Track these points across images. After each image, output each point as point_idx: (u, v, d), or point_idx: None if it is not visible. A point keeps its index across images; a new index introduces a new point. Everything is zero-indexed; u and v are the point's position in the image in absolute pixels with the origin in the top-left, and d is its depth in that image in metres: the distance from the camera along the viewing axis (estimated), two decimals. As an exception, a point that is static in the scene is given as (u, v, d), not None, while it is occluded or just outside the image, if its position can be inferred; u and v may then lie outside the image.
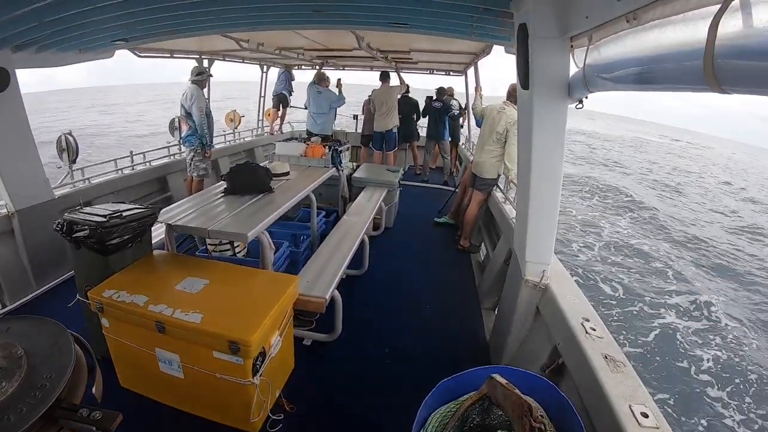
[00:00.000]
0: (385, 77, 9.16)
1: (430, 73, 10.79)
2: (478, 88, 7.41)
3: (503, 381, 1.98)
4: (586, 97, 2.65)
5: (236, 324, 2.68)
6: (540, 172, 3.01)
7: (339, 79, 9.21)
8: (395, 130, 9.29)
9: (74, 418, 1.30)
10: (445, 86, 10.56)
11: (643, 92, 1.92)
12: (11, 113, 4.19)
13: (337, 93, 8.64)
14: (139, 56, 6.63)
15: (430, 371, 3.54)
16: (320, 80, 8.52)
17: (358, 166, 7.57)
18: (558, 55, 2.69)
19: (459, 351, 4.08)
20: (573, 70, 2.69)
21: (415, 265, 5.97)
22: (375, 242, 5.44)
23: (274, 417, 3.09)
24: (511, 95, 5.63)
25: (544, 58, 2.73)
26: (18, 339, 1.47)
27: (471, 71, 9.56)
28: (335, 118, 9.34)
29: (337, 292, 3.74)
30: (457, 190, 7.76)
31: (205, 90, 6.98)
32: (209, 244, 4.40)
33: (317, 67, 10.62)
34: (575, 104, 2.72)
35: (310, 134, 8.40)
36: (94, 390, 1.52)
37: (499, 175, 5.96)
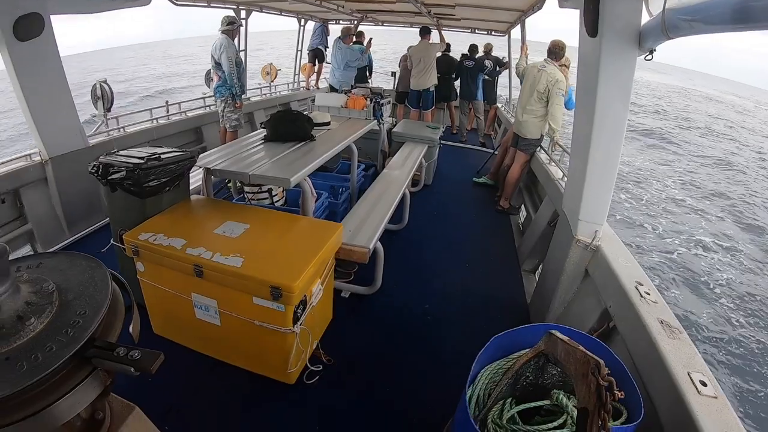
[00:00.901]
0: (425, 32, 8.82)
1: (471, 32, 10.43)
2: (524, 47, 7.08)
3: (564, 337, 1.85)
4: (654, 50, 2.50)
5: (279, 269, 2.56)
6: (602, 127, 2.84)
7: (370, 39, 9.20)
8: (432, 89, 9.01)
9: (110, 358, 1.15)
10: (483, 43, 10.17)
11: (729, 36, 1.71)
12: (46, 59, 4.11)
13: (362, 51, 8.56)
14: (176, 4, 6.48)
15: (470, 330, 3.58)
16: (344, 36, 8.45)
17: (396, 123, 7.39)
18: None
19: (498, 312, 3.97)
20: (644, 17, 2.51)
21: (453, 223, 5.88)
22: (414, 198, 5.33)
23: (313, 368, 3.01)
24: (552, 52, 5.44)
25: (616, 3, 2.54)
26: (50, 274, 1.34)
27: (515, 31, 9.16)
28: (361, 74, 9.31)
29: (379, 244, 3.63)
30: (495, 151, 7.59)
31: (237, 41, 6.86)
32: (247, 192, 4.28)
33: (355, 22, 10.40)
34: (645, 55, 2.57)
35: (332, 88, 8.44)
36: (131, 329, 1.38)
37: (542, 136, 5.78)
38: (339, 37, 8.53)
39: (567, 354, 1.80)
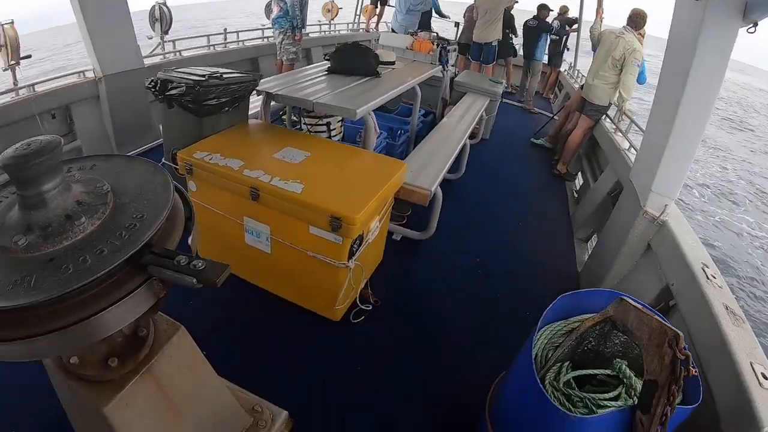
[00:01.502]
0: None
1: None
2: (599, 10, 6.71)
3: (638, 305, 1.73)
4: (757, 24, 2.35)
5: (340, 200, 2.44)
6: (692, 100, 2.70)
7: None
8: (495, 43, 8.57)
9: (169, 266, 1.01)
10: (560, 5, 9.75)
11: None
12: None
13: None
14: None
15: (519, 290, 3.55)
16: None
17: (458, 73, 7.16)
18: None
19: (548, 276, 3.88)
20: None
21: (509, 181, 5.76)
22: (471, 150, 5.16)
23: (362, 306, 2.94)
24: (633, 21, 5.17)
25: None
26: (104, 176, 1.21)
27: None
28: (425, 19, 8.67)
29: (439, 189, 3.49)
30: (555, 115, 7.42)
31: None
32: (305, 123, 4.16)
33: None
34: (748, 27, 2.40)
35: (393, 31, 8.07)
36: (190, 241, 1.25)
37: (610, 104, 5.57)
38: None
39: (640, 322, 1.70)
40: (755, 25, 2.35)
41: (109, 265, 0.95)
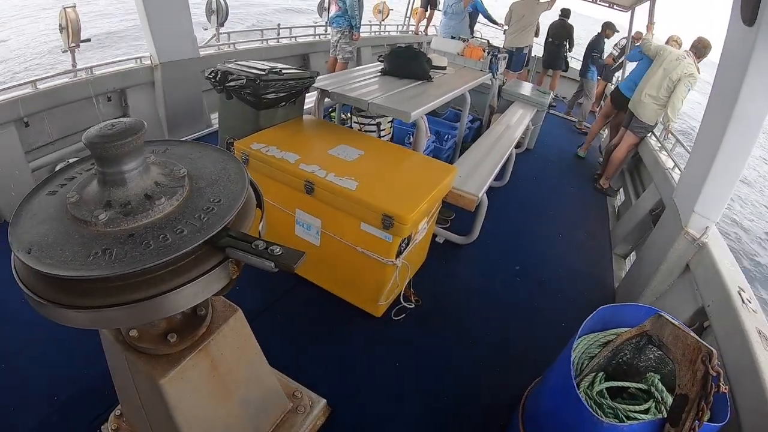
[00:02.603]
0: None
1: (593, 2, 9.80)
2: (650, 25, 6.60)
3: (675, 321, 1.79)
4: None
5: (393, 199, 2.50)
6: (739, 123, 2.70)
7: None
8: (526, 50, 8.39)
9: (247, 249, 1.06)
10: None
11: None
12: None
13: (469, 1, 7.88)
14: None
15: (555, 300, 3.58)
16: None
17: (505, 81, 7.14)
18: None
19: (585, 289, 3.88)
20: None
21: (551, 192, 5.78)
22: (516, 159, 5.18)
23: (405, 304, 3.00)
24: (697, 48, 5.11)
25: None
26: (178, 160, 1.28)
27: (642, 7, 8.54)
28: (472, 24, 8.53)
29: (485, 196, 3.51)
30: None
31: None
32: (357, 122, 4.23)
33: None
34: None
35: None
36: (261, 227, 1.31)
37: (657, 123, 5.51)
38: None
39: (675, 338, 1.75)
40: None
41: (190, 244, 1.01)
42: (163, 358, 1.38)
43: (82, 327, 1.03)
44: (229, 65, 3.12)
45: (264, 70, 3.06)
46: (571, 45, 9.45)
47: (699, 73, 5.05)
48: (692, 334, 1.68)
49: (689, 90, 5.04)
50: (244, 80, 2.97)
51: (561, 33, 9.16)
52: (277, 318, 2.84)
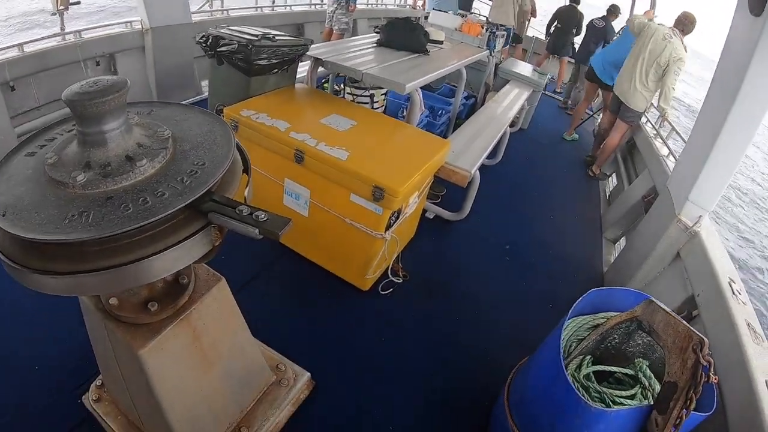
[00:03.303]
0: None
1: None
2: (650, 11, 6.41)
3: (666, 308, 1.76)
4: None
5: (385, 171, 2.45)
6: (741, 114, 2.67)
7: None
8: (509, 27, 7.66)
9: (231, 215, 1.01)
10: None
11: None
12: None
13: None
14: None
15: (543, 282, 3.59)
16: None
17: (503, 59, 7.06)
18: None
19: (574, 272, 3.88)
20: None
21: (543, 173, 5.76)
22: (510, 138, 5.16)
23: (393, 278, 2.98)
24: (682, 24, 4.90)
25: None
26: (163, 122, 1.22)
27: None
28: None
29: (478, 173, 3.48)
30: (594, 113, 7.41)
31: None
32: (350, 93, 4.16)
33: None
34: None
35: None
36: (246, 192, 1.26)
37: (647, 109, 5.40)
38: None
39: (666, 325, 1.74)
40: None
41: (171, 208, 0.96)
42: (143, 328, 1.34)
43: (59, 294, 0.98)
44: (221, 30, 3.04)
45: (256, 35, 3.00)
46: (579, 32, 9.09)
47: (686, 52, 4.88)
48: (684, 322, 1.67)
49: (678, 75, 4.87)
50: (236, 45, 2.91)
51: (570, 20, 8.89)
52: (262, 289, 2.81)
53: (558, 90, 9.92)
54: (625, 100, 5.27)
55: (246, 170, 1.30)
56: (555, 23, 9.09)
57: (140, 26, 4.38)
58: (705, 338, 1.57)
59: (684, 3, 7.09)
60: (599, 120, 6.68)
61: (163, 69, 4.59)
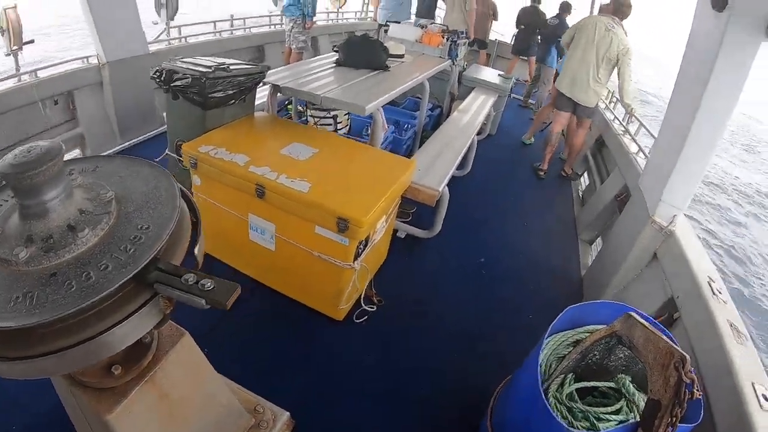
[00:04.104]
0: None
1: None
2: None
3: (645, 322, 1.70)
4: None
5: (348, 200, 2.40)
6: (708, 112, 2.66)
7: None
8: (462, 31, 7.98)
9: (176, 285, 0.97)
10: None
11: None
12: None
13: None
14: None
15: (521, 292, 3.57)
16: None
17: (466, 66, 7.04)
18: None
19: (550, 278, 3.86)
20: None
21: (515, 179, 5.76)
22: (478, 146, 5.10)
23: (366, 307, 2.92)
24: (619, 11, 4.77)
25: None
26: (107, 180, 1.16)
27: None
28: (424, 6, 8.46)
29: (446, 189, 3.44)
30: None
31: None
32: (312, 116, 4.11)
33: None
34: None
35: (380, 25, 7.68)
36: (196, 250, 1.19)
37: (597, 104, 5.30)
38: None
39: (646, 340, 1.67)
40: None
41: (114, 284, 0.91)
42: (109, 392, 1.28)
43: (15, 378, 0.94)
44: (175, 63, 2.97)
45: (210, 67, 2.92)
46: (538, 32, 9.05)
47: (627, 36, 4.75)
48: (664, 337, 1.61)
49: (630, 66, 4.78)
50: (190, 79, 2.84)
51: (534, 20, 8.87)
52: (234, 328, 2.72)
53: (534, 91, 9.84)
54: (580, 100, 5.14)
55: (196, 225, 1.23)
56: (520, 25, 9.09)
57: (97, 61, 4.29)
58: (686, 355, 1.52)
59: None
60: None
61: (122, 103, 4.49)
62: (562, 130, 5.94)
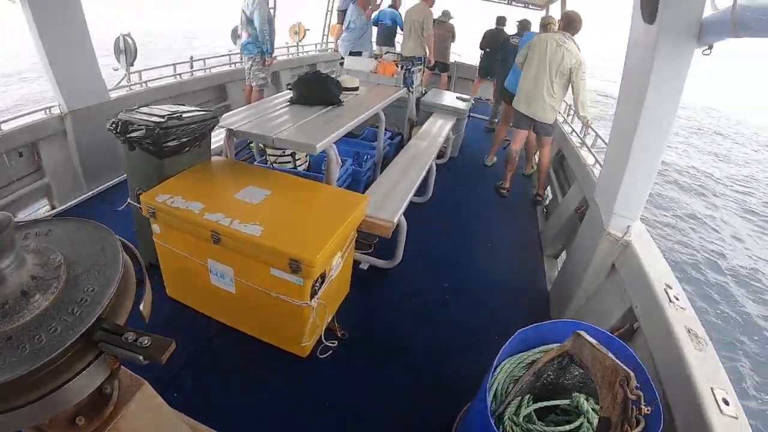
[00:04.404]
0: None
1: (508, 3, 10.00)
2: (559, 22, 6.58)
3: (593, 341, 1.76)
4: (712, 46, 2.36)
5: (299, 241, 2.45)
6: (649, 122, 2.71)
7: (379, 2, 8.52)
8: (420, 58, 7.95)
9: (117, 343, 1.04)
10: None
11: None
12: (66, 10, 4.00)
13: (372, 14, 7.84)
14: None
15: (489, 314, 3.57)
16: None
17: (425, 91, 7.16)
18: None
19: (518, 296, 3.91)
20: (707, 10, 2.36)
21: (477, 200, 5.77)
22: (438, 171, 5.16)
23: (327, 343, 2.94)
24: (570, 26, 4.91)
25: None
26: (58, 244, 1.23)
27: (555, 6, 8.72)
28: (384, 35, 8.71)
29: (403, 218, 3.51)
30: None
31: None
32: (270, 155, 4.18)
33: None
34: (703, 49, 2.41)
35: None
36: (141, 307, 1.27)
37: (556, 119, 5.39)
38: None
39: (594, 359, 1.73)
40: (710, 47, 2.37)
41: (62, 345, 0.97)
42: None
43: None
44: (131, 114, 3.01)
45: (164, 116, 2.96)
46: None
47: (580, 51, 4.83)
48: (609, 355, 1.67)
49: (585, 79, 4.85)
50: (144, 130, 2.87)
51: (492, 43, 9.05)
52: (200, 371, 2.73)
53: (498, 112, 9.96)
54: (539, 117, 5.23)
55: (141, 283, 1.29)
56: (486, 48, 9.25)
57: (59, 111, 4.29)
58: (630, 372, 1.57)
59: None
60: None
61: (87, 151, 4.49)
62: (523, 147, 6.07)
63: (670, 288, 2.47)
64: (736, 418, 1.75)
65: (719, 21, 2.20)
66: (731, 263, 10.24)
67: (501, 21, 9.09)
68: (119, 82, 5.45)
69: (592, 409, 1.84)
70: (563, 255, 4.59)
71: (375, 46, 8.79)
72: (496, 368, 2.03)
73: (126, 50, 5.42)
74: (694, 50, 2.47)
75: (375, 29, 8.56)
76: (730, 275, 9.72)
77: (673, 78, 2.57)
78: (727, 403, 1.79)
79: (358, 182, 4.71)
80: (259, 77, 6.52)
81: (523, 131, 5.52)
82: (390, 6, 8.99)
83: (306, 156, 4.32)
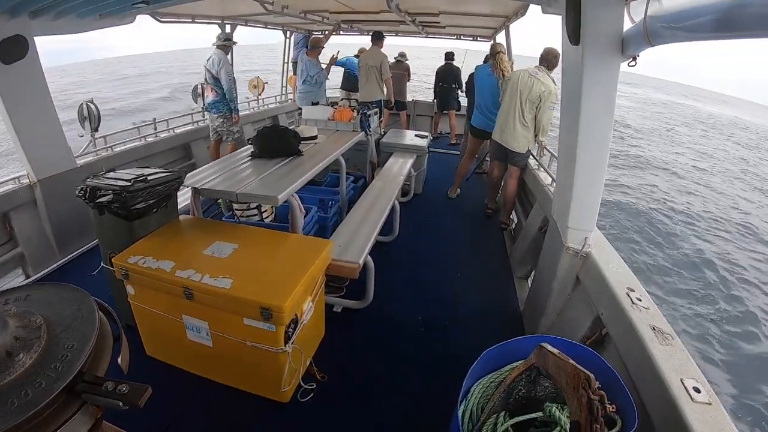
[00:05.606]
0: (377, 38, 8.20)
1: (456, 38, 10.38)
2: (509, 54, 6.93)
3: (555, 350, 1.86)
4: (637, 56, 2.49)
5: (268, 289, 2.56)
6: (587, 135, 2.83)
7: (336, 53, 8.93)
8: (378, 101, 8.18)
9: (98, 392, 1.16)
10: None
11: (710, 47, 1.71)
12: (30, 81, 4.08)
13: (322, 67, 8.10)
14: (160, 21, 6.36)
15: (464, 341, 3.59)
16: (311, 48, 8.01)
17: (384, 133, 7.35)
18: (613, 7, 2.49)
19: (491, 320, 3.97)
20: (627, 24, 2.50)
21: (444, 232, 5.85)
22: (404, 208, 5.29)
23: (306, 386, 3.00)
24: (546, 60, 5.13)
25: (598, 10, 2.52)
26: (37, 307, 1.35)
27: (500, 36, 9.07)
28: (349, 82, 9.18)
29: (369, 258, 3.61)
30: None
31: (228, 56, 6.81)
32: (236, 209, 4.28)
33: (326, 32, 9.64)
34: (628, 62, 2.55)
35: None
36: (120, 360, 1.38)
37: (529, 149, 5.57)
38: (305, 47, 8.23)
39: (557, 368, 1.81)
40: (634, 58, 2.49)
41: (47, 397, 1.08)
42: None
43: None
44: (98, 179, 3.09)
45: (130, 180, 3.06)
46: (460, 85, 9.94)
47: (555, 84, 5.03)
48: (571, 361, 1.74)
49: (552, 109, 5.03)
50: (111, 195, 2.96)
51: (449, 76, 9.86)
52: (186, 423, 2.78)
53: (453, 142, 10.29)
54: (511, 146, 5.43)
55: (118, 338, 1.40)
56: (438, 83, 9.92)
57: (28, 180, 4.34)
58: (590, 373, 1.65)
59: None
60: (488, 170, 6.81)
61: (58, 219, 4.53)
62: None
63: (632, 291, 2.56)
64: (710, 404, 1.80)
65: (636, 33, 2.35)
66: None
67: (449, 56, 9.98)
68: (85, 148, 5.50)
69: (566, 417, 1.88)
70: (533, 275, 4.66)
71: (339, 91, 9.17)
72: (467, 390, 2.12)
73: (90, 116, 5.48)
74: (619, 63, 2.60)
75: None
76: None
77: (603, 91, 2.69)
78: (698, 390, 1.86)
79: (325, 228, 4.81)
80: (234, 132, 6.70)
81: (501, 163, 5.84)
82: (356, 55, 9.45)
83: (272, 207, 4.42)
